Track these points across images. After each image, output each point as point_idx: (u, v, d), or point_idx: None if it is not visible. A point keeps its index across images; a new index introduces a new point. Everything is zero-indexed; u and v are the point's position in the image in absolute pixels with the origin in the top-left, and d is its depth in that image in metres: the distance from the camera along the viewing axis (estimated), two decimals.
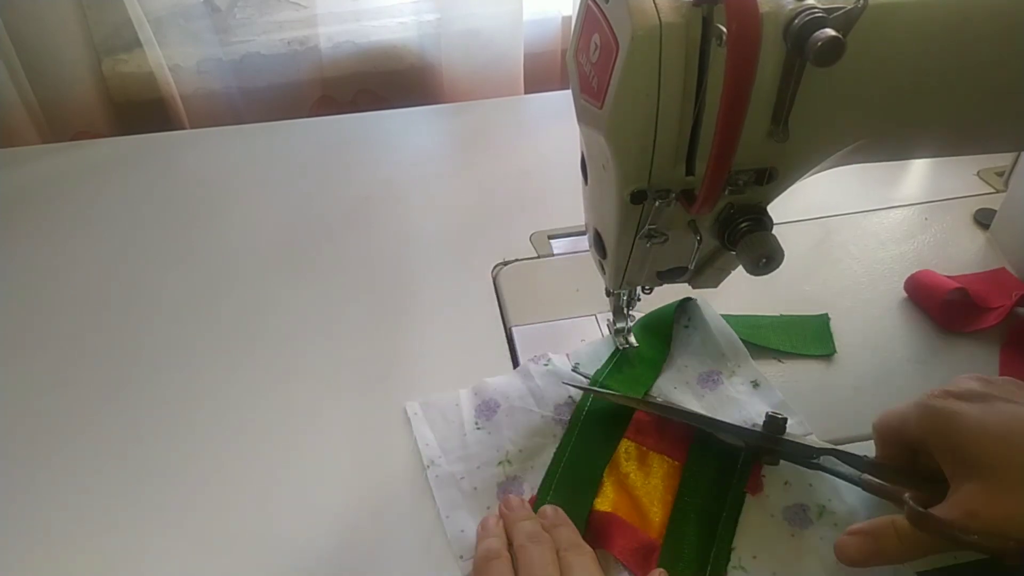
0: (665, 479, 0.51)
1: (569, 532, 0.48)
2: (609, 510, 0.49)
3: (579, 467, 0.52)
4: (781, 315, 0.62)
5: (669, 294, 0.61)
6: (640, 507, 0.50)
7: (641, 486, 0.51)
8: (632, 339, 0.58)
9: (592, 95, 0.40)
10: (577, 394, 0.55)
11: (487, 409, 0.55)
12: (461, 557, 0.48)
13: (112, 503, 0.52)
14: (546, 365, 0.57)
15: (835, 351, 0.60)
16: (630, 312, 0.58)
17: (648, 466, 0.52)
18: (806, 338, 0.60)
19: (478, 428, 0.54)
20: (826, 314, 0.62)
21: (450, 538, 0.49)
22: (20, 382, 0.60)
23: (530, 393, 0.56)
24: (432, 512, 0.50)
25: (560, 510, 0.50)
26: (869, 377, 0.57)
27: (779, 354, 0.59)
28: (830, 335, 0.60)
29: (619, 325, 0.58)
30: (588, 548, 0.47)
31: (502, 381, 0.57)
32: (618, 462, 0.52)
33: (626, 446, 0.53)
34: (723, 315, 0.60)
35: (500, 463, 0.52)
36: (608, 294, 0.56)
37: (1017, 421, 0.40)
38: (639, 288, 0.55)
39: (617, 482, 0.51)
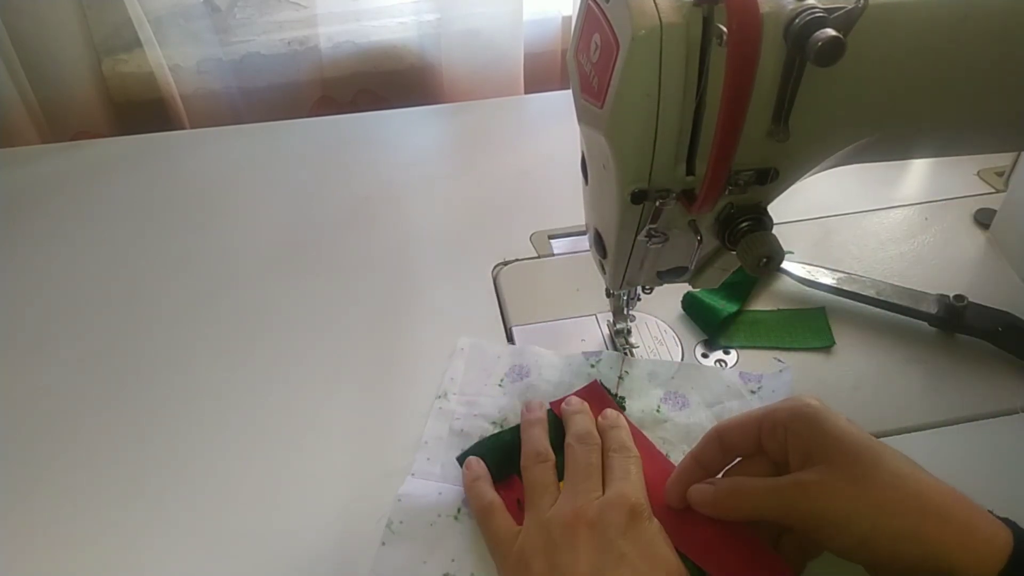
0: None
1: (621, 434, 0.50)
2: None
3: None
4: (779, 309, 0.62)
5: (669, 293, 0.62)
6: None
7: None
8: (632, 341, 0.58)
9: (592, 95, 0.40)
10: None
11: (517, 373, 0.57)
12: (413, 474, 0.51)
13: (113, 502, 0.52)
14: (593, 366, 0.57)
15: (834, 342, 0.60)
16: (630, 312, 0.58)
17: None
18: (805, 332, 0.61)
19: (499, 386, 0.57)
20: (822, 307, 0.62)
21: (416, 458, 0.52)
22: (20, 382, 0.60)
23: (561, 383, 0.56)
24: None
25: (620, 414, 0.52)
26: (868, 376, 0.57)
27: (780, 352, 0.59)
28: (828, 327, 0.61)
29: (619, 327, 0.58)
30: (635, 452, 0.49)
31: (547, 357, 0.58)
32: None
33: None
34: (725, 311, 0.60)
35: (494, 422, 0.54)
36: (608, 295, 0.56)
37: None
38: (639, 288, 0.55)
39: None
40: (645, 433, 0.53)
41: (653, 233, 0.44)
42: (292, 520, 0.50)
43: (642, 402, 0.55)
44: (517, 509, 0.48)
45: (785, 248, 0.42)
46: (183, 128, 0.92)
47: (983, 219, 0.69)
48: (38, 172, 0.80)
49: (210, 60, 0.91)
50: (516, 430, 0.52)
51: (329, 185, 0.78)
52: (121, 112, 0.93)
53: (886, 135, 0.43)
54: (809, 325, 0.61)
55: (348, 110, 0.94)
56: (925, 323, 0.60)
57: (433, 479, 0.51)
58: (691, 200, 0.41)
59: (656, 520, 0.45)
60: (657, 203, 0.41)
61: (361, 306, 0.65)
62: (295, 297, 0.66)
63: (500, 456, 0.51)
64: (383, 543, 0.48)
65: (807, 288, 0.63)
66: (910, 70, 0.40)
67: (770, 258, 0.41)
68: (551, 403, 0.54)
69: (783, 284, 0.64)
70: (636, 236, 0.44)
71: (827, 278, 0.62)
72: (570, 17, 0.97)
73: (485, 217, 0.73)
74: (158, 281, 0.68)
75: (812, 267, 0.63)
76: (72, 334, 0.63)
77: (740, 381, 0.56)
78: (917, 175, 0.76)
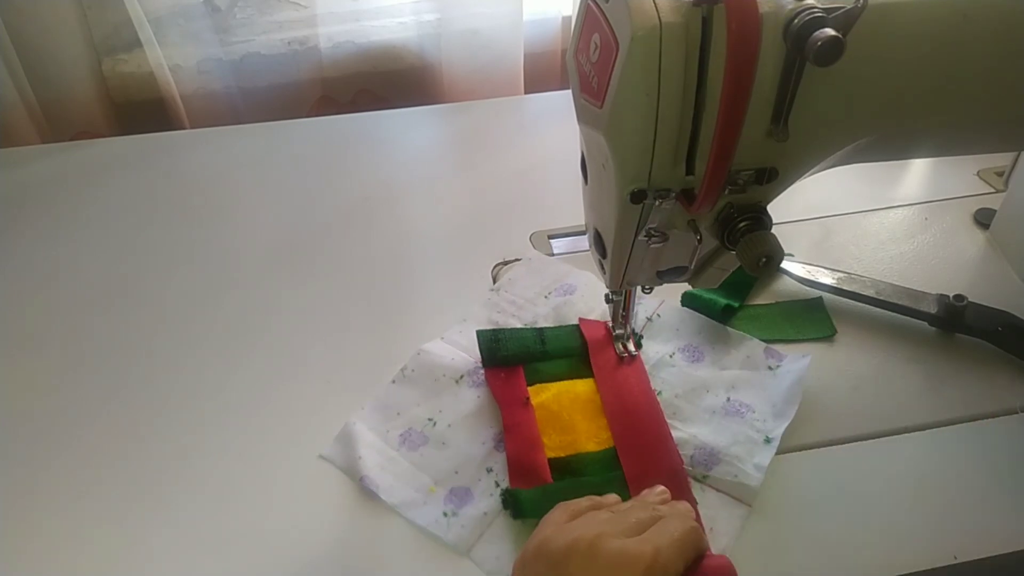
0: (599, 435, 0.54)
1: (683, 507, 0.45)
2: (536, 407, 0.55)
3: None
4: (777, 302, 0.63)
5: (670, 293, 0.62)
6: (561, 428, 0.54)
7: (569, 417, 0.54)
8: (631, 347, 0.58)
9: (592, 95, 0.40)
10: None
11: (564, 290, 0.64)
12: (442, 338, 0.60)
13: (113, 502, 0.52)
14: None
15: (835, 331, 0.60)
16: (629, 316, 0.58)
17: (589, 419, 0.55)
18: (805, 322, 0.61)
19: (545, 297, 0.63)
20: (820, 296, 0.62)
21: (451, 327, 0.61)
22: (20, 381, 0.60)
23: (594, 310, 0.61)
24: None
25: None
26: (868, 376, 0.57)
27: (783, 344, 0.59)
28: (828, 317, 0.61)
29: (618, 332, 0.58)
30: (692, 524, 0.42)
31: (595, 287, 0.63)
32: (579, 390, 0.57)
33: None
34: (726, 301, 0.61)
35: (525, 324, 0.61)
36: (607, 300, 0.56)
37: None
38: (639, 288, 0.55)
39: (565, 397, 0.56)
40: (648, 371, 0.57)
41: (653, 233, 0.44)
42: (292, 520, 0.50)
43: (660, 346, 0.59)
44: (522, 406, 0.54)
45: (785, 249, 0.42)
46: (183, 128, 0.92)
47: (983, 219, 0.69)
48: (38, 172, 0.80)
49: (210, 60, 0.91)
50: (535, 330, 0.60)
51: (329, 185, 0.78)
52: (121, 112, 0.93)
53: (886, 135, 0.43)
54: (809, 316, 0.61)
55: (348, 110, 0.94)
56: (925, 323, 0.60)
57: (455, 347, 0.60)
58: (690, 200, 0.41)
59: None
60: (657, 203, 0.41)
61: (361, 306, 0.65)
62: (295, 297, 0.66)
63: (513, 346, 0.58)
64: (393, 381, 0.57)
65: (807, 288, 0.63)
66: (910, 70, 0.40)
67: (769, 257, 0.41)
68: (580, 319, 0.60)
69: (783, 284, 0.64)
70: (636, 236, 0.44)
71: (827, 278, 0.62)
72: (570, 17, 0.97)
73: (485, 217, 0.73)
74: (158, 281, 0.68)
75: (812, 267, 0.63)
76: (72, 333, 0.63)
77: (763, 355, 0.58)
78: (917, 175, 0.76)
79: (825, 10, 0.35)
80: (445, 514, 0.50)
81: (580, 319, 0.61)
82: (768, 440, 0.52)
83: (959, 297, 0.58)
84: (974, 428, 0.54)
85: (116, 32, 0.89)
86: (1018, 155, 0.67)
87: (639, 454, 0.52)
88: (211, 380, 0.59)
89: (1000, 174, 0.74)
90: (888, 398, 0.56)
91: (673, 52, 0.36)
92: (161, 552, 0.49)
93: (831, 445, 0.53)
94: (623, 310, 0.57)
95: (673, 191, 0.41)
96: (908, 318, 0.60)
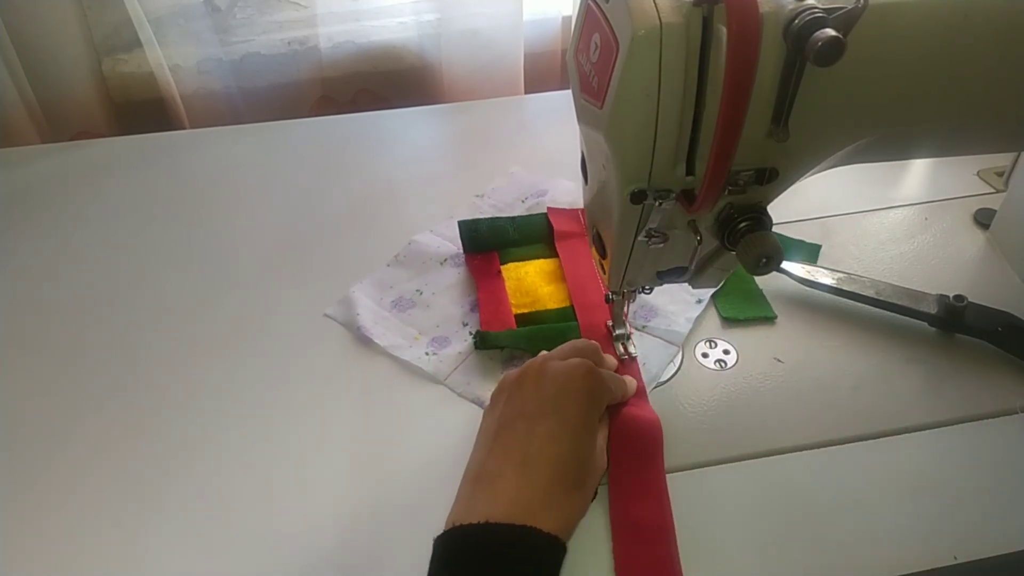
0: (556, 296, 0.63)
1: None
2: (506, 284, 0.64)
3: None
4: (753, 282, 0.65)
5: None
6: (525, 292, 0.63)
7: (534, 283, 0.64)
8: (631, 347, 0.58)
9: (592, 95, 0.40)
10: None
11: (539, 195, 0.73)
12: (431, 231, 0.70)
13: (113, 502, 0.52)
14: None
15: (726, 317, 0.62)
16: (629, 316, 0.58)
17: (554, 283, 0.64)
18: (740, 302, 0.63)
19: (523, 202, 0.73)
20: (774, 317, 0.62)
21: (441, 222, 0.71)
22: (20, 381, 0.60)
23: (565, 202, 0.71)
24: (431, 510, 0.50)
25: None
26: (868, 376, 0.57)
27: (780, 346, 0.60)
28: (746, 312, 0.62)
29: (618, 332, 0.58)
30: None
31: (566, 192, 0.73)
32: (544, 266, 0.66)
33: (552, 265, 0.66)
34: None
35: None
36: (607, 300, 0.56)
37: None
38: (639, 289, 0.55)
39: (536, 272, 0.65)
40: None
41: (653, 233, 0.44)
42: (291, 520, 0.50)
43: None
44: (495, 276, 0.64)
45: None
46: (183, 128, 0.92)
47: (983, 219, 0.69)
48: (38, 172, 0.80)
49: (210, 60, 0.91)
50: (508, 219, 0.69)
51: (329, 185, 0.78)
52: (121, 112, 0.93)
53: (886, 135, 0.43)
54: (751, 304, 0.63)
55: (348, 110, 0.94)
56: (925, 323, 0.60)
57: (441, 237, 0.70)
58: (691, 200, 0.41)
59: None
60: (657, 203, 0.41)
61: None
62: (295, 297, 0.66)
63: (489, 233, 0.68)
64: (387, 264, 0.68)
65: (807, 288, 0.63)
66: (910, 70, 0.40)
67: (770, 258, 0.41)
68: (548, 208, 0.70)
69: (783, 284, 0.64)
70: (636, 236, 0.44)
71: (827, 278, 0.62)
72: (570, 17, 0.97)
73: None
74: (158, 281, 0.68)
75: (812, 267, 0.63)
76: (72, 333, 0.63)
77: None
78: (917, 175, 0.76)
79: (826, 10, 0.35)
80: (427, 353, 0.60)
81: (548, 208, 0.70)
82: (699, 301, 0.62)
83: (959, 297, 0.58)
84: (974, 428, 0.54)
85: (116, 32, 0.89)
86: (1018, 155, 0.67)
87: (591, 309, 0.61)
88: (210, 379, 0.59)
89: (1000, 174, 0.74)
90: (888, 398, 0.56)
91: (673, 52, 0.36)
92: (159, 554, 0.49)
93: (831, 445, 0.53)
94: (623, 310, 0.57)
95: (673, 191, 0.41)
96: (908, 318, 0.60)
